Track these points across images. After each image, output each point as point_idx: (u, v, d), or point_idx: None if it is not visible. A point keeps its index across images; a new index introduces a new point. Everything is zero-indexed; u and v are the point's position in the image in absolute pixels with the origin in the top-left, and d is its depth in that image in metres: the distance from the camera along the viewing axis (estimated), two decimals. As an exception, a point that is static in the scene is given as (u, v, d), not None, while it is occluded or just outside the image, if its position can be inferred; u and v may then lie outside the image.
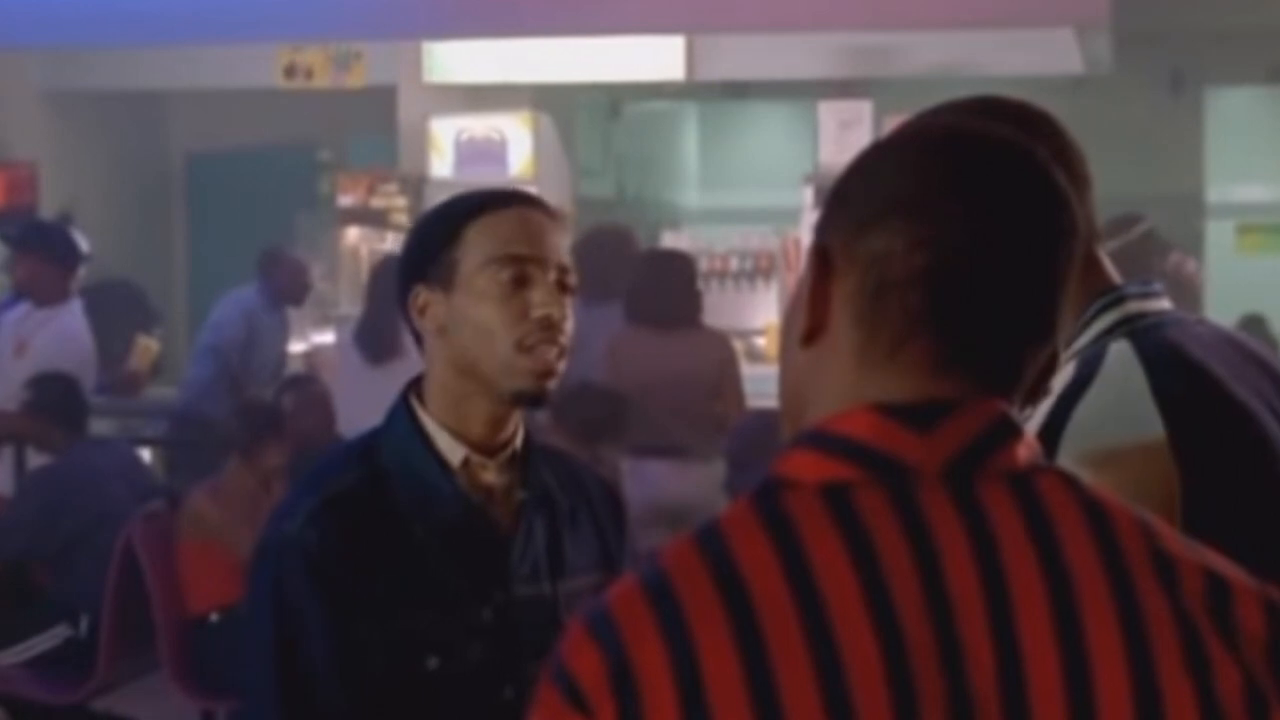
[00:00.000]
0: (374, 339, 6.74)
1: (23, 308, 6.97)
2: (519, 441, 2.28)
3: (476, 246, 2.21)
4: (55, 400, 6.19)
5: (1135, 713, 1.17)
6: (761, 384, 6.88)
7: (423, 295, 2.24)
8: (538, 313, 2.19)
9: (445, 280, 2.22)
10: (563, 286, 2.23)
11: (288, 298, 8.65)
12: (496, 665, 2.20)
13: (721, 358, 6.66)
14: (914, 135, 1.32)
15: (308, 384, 6.97)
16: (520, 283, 2.20)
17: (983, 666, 1.17)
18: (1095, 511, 1.23)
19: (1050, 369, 1.30)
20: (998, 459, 1.23)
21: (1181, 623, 1.20)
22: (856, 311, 1.26)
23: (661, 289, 6.62)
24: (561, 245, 2.25)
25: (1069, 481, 1.25)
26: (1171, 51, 11.67)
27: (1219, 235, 12.26)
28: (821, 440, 1.24)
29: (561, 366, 2.23)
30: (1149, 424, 1.83)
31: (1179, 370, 1.88)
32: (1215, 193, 12.37)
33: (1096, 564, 1.20)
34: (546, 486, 2.30)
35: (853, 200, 1.29)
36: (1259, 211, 12.47)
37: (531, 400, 2.23)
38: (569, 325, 2.22)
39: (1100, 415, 1.84)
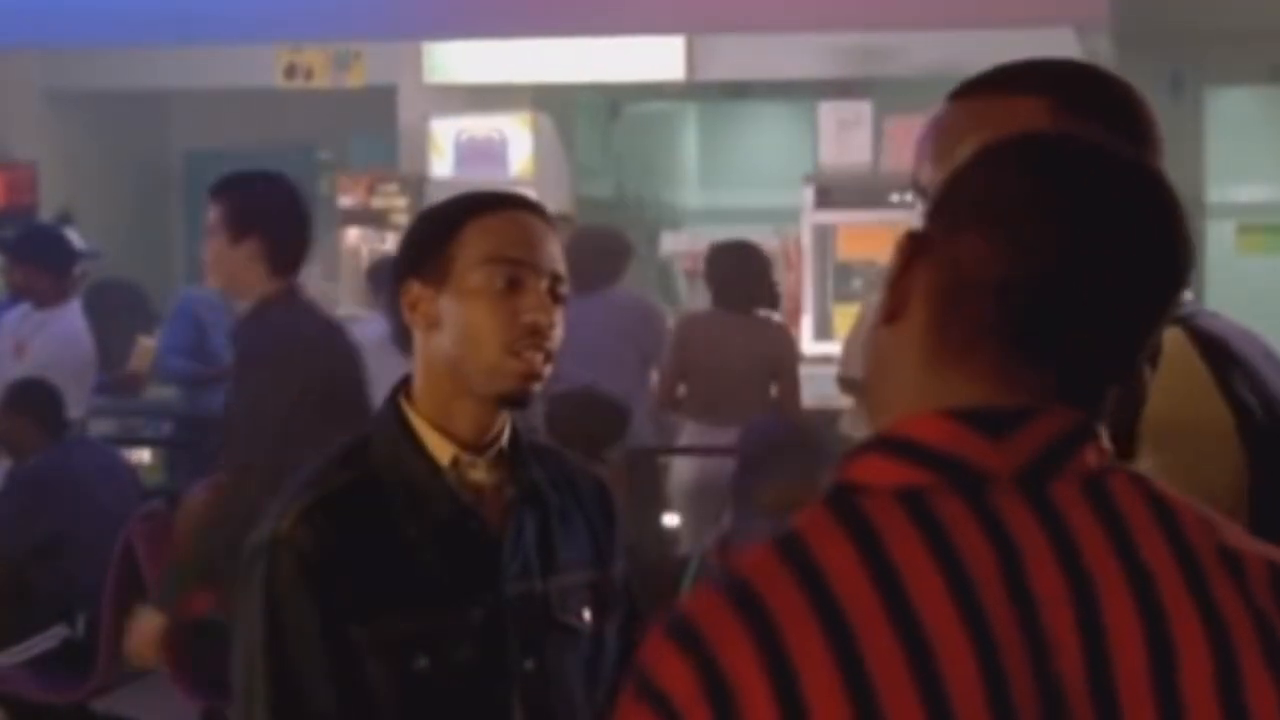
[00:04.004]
0: (407, 334, 6.73)
1: (22, 309, 6.97)
2: (506, 439, 2.28)
3: (474, 245, 2.21)
4: (34, 404, 6.19)
5: (1221, 703, 1.18)
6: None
7: (415, 289, 2.24)
8: (527, 318, 2.19)
9: (439, 276, 2.22)
10: (554, 295, 2.23)
11: None
12: (488, 663, 2.20)
13: (785, 344, 7.41)
14: (1024, 142, 1.31)
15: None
16: (513, 286, 2.20)
17: (1071, 662, 1.17)
18: (1163, 509, 1.24)
19: (1140, 377, 1.30)
20: (1069, 464, 1.23)
21: (1255, 615, 1.21)
22: (931, 310, 1.26)
23: (748, 277, 7.30)
24: (557, 254, 2.25)
25: (1136, 480, 1.26)
26: (1171, 51, 11.65)
27: (1219, 235, 12.25)
28: (893, 445, 1.24)
29: (548, 370, 2.23)
30: (1216, 408, 1.86)
31: (1226, 356, 1.91)
32: (1215, 193, 12.35)
33: (1171, 560, 1.21)
34: (536, 483, 2.30)
35: (955, 199, 1.29)
36: (1259, 211, 12.46)
37: (514, 402, 2.23)
38: (556, 333, 2.22)
39: (1172, 401, 1.86)
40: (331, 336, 4.57)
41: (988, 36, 9.21)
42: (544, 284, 2.22)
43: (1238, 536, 1.25)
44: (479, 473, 2.25)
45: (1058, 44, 9.25)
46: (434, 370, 2.24)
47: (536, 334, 2.19)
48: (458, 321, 2.20)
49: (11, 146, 10.99)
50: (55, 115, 11.24)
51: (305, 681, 2.14)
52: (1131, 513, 1.22)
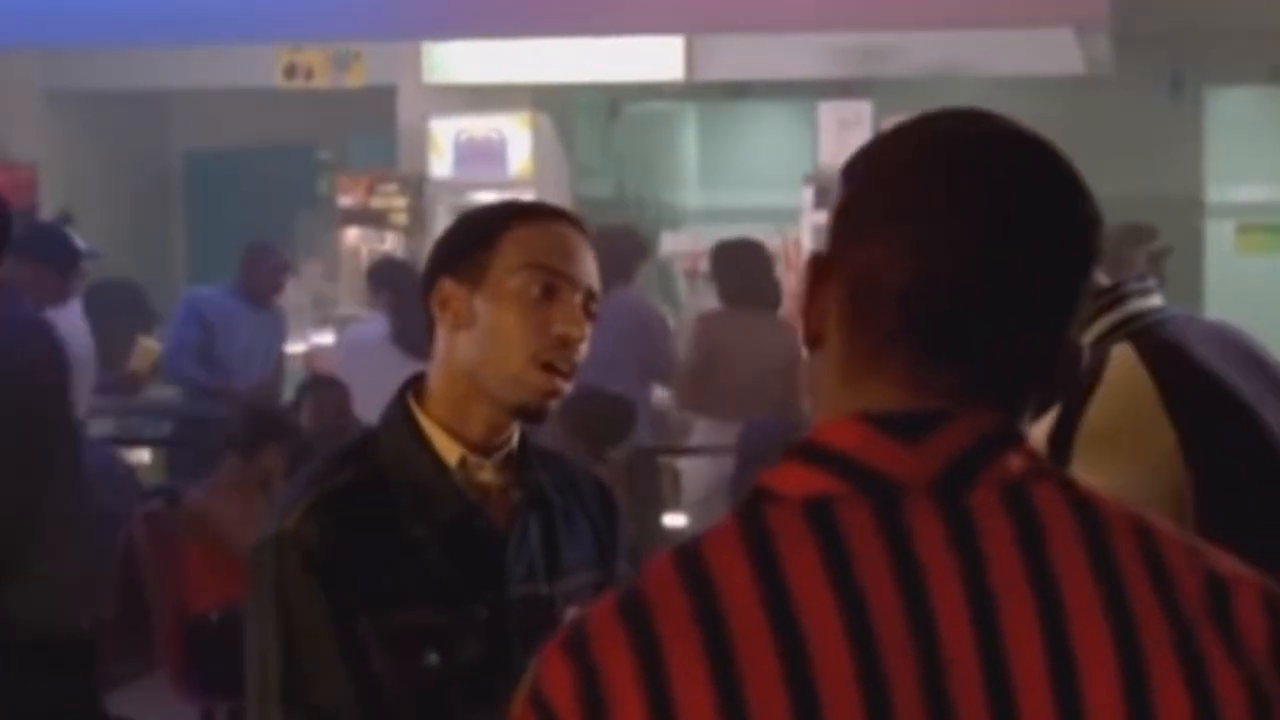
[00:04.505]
0: (414, 335, 6.75)
1: (22, 308, 6.96)
2: (515, 441, 2.29)
3: (513, 251, 2.21)
4: None
5: (1128, 716, 1.16)
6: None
7: (447, 287, 2.23)
8: (558, 330, 2.18)
9: (474, 277, 2.22)
10: (586, 311, 2.23)
11: (260, 292, 8.55)
12: (492, 663, 2.21)
13: (794, 343, 7.23)
14: (912, 139, 1.28)
15: (328, 386, 7.00)
16: (548, 295, 2.20)
17: (967, 681, 1.15)
18: (1089, 516, 1.21)
19: (1068, 370, 1.27)
20: (990, 470, 1.21)
21: (1176, 625, 1.18)
22: (841, 321, 1.25)
23: (754, 275, 7.42)
24: (594, 271, 2.26)
25: (1065, 485, 1.23)
26: (1171, 51, 11.65)
27: (1219, 235, 12.25)
28: (808, 452, 1.23)
29: (567, 389, 2.23)
30: (1158, 426, 1.82)
31: (1182, 370, 1.87)
32: (1215, 193, 12.36)
33: (1087, 571, 1.19)
34: (541, 486, 2.30)
35: (848, 210, 1.27)
36: (1259, 211, 12.46)
37: (530, 416, 2.23)
38: (583, 348, 2.23)
39: (1110, 419, 1.83)
40: (32, 331, 4.52)
41: (988, 36, 9.23)
42: (578, 298, 2.22)
43: (1172, 543, 1.22)
44: (486, 474, 2.26)
45: (1058, 44, 9.26)
46: (454, 371, 2.24)
47: (565, 346, 2.19)
48: (488, 324, 2.20)
49: (11, 146, 10.99)
50: (55, 115, 11.24)
51: (318, 674, 2.15)
52: (1052, 522, 1.20)
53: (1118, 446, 1.81)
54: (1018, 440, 1.23)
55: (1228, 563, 1.24)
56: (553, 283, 2.20)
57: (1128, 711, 1.16)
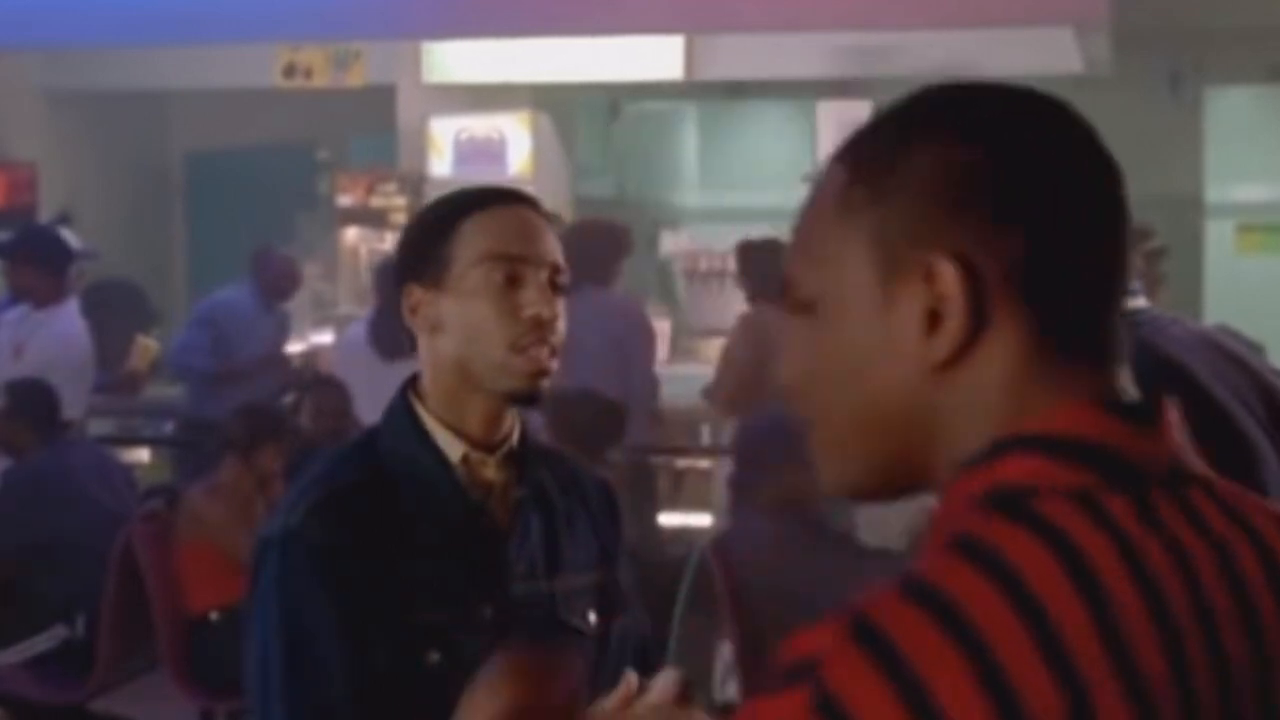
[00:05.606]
0: (386, 337, 6.77)
1: (20, 309, 6.98)
2: (515, 438, 2.29)
3: (469, 245, 2.21)
4: (30, 404, 6.20)
5: None
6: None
7: (415, 293, 2.24)
8: (529, 312, 2.19)
9: (437, 278, 2.22)
10: (555, 286, 2.23)
11: (276, 294, 8.55)
12: None
13: None
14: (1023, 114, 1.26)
15: (328, 385, 7.00)
16: (512, 282, 2.20)
17: (1246, 685, 1.11)
18: (1235, 513, 1.17)
19: None
20: (1192, 460, 1.16)
21: None
22: (1014, 311, 1.14)
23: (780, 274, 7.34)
24: (554, 245, 2.26)
25: (1207, 482, 1.18)
26: (1171, 51, 11.66)
27: (1219, 235, 12.24)
28: (1044, 443, 1.12)
29: (554, 365, 2.23)
30: None
31: (1154, 372, 1.86)
32: (1215, 193, 12.35)
33: (1265, 583, 1.15)
34: (543, 484, 2.31)
35: (975, 198, 1.17)
36: (1259, 211, 12.44)
37: (524, 399, 2.24)
38: (560, 324, 2.23)
39: None
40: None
41: (988, 36, 9.22)
42: (543, 275, 2.22)
43: None
44: (489, 471, 2.26)
45: (1058, 44, 9.25)
46: (441, 371, 2.25)
47: (540, 327, 2.20)
48: (461, 322, 2.21)
49: (11, 146, 10.99)
50: (55, 115, 11.24)
51: (320, 673, 2.15)
52: (1227, 527, 1.15)
53: None
54: None
55: None
56: (514, 269, 2.20)
57: None
